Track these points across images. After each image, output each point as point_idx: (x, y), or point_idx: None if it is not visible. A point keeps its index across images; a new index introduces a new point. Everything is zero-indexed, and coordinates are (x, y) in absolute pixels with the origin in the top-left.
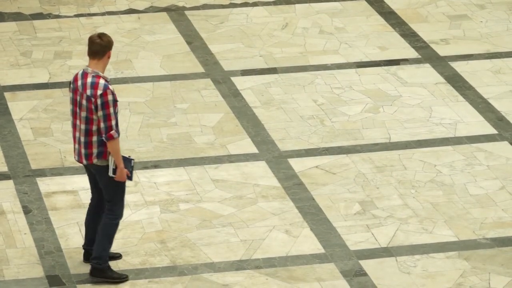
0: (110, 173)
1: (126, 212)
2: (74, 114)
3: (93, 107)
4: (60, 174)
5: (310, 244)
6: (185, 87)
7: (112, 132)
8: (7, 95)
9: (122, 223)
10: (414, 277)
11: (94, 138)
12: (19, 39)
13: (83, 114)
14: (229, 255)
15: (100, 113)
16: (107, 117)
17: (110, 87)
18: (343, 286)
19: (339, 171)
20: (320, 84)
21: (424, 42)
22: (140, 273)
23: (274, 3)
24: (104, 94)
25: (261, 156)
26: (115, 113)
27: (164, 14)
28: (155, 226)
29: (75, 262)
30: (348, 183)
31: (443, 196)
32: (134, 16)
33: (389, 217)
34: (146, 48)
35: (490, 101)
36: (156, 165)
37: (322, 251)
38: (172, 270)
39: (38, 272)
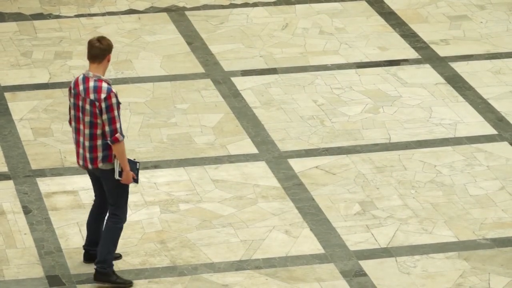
0: (116, 176)
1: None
2: (77, 119)
3: (97, 111)
4: (60, 175)
5: (310, 244)
6: (185, 87)
7: (117, 135)
8: (7, 95)
9: None
10: (414, 277)
11: (99, 142)
12: (19, 39)
13: (87, 118)
14: (229, 255)
15: (104, 116)
16: (111, 120)
17: (113, 90)
18: (343, 286)
19: (339, 171)
20: (320, 85)
21: (424, 42)
22: (140, 273)
23: (274, 4)
24: (108, 98)
25: (261, 156)
26: (119, 116)
27: (165, 14)
28: (155, 226)
29: (75, 262)
30: (348, 183)
31: (443, 197)
32: (134, 16)
33: (389, 217)
34: (146, 49)
35: (490, 101)
36: (156, 165)
37: (322, 251)
38: (172, 270)
39: (38, 272)
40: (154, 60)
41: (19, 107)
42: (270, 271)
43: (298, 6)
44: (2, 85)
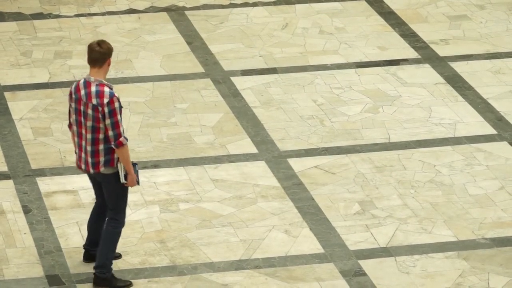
0: (122, 180)
1: (126, 211)
2: (79, 124)
3: (100, 115)
4: (60, 174)
5: (309, 244)
6: (185, 87)
7: (121, 139)
8: (7, 94)
9: None
10: (413, 277)
11: (101, 147)
12: (19, 39)
13: (89, 123)
14: (229, 255)
15: (108, 121)
16: (115, 125)
17: (116, 94)
18: (343, 286)
19: (338, 171)
20: (320, 84)
21: (424, 42)
22: (140, 273)
23: (274, 3)
24: (111, 102)
25: (261, 156)
26: (121, 120)
27: (164, 14)
28: (155, 226)
29: (75, 262)
30: (348, 183)
31: (443, 196)
32: (134, 16)
33: (389, 217)
34: (146, 48)
35: (490, 101)
36: (156, 165)
37: (322, 251)
38: (172, 270)
39: (38, 271)
40: (154, 59)
41: (19, 107)
42: (269, 270)
43: (298, 6)
44: (2, 84)
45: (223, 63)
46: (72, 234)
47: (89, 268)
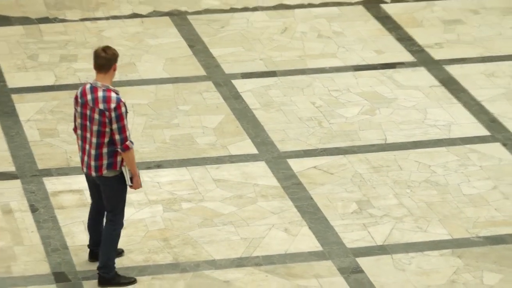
0: (128, 183)
1: (130, 210)
2: (84, 128)
3: (106, 120)
4: (66, 174)
5: (308, 242)
6: (187, 89)
7: (128, 142)
8: (14, 97)
9: (126, 221)
10: (409, 274)
11: (105, 150)
12: (26, 43)
13: (95, 128)
14: (230, 252)
15: (114, 126)
16: (122, 129)
17: (122, 99)
18: (340, 283)
19: (336, 171)
20: (318, 87)
21: (419, 46)
22: (144, 270)
23: (274, 8)
24: (118, 107)
25: (261, 156)
26: (127, 124)
27: (167, 18)
28: (158, 225)
29: (81, 260)
30: (345, 183)
31: (438, 196)
32: (137, 20)
33: (385, 216)
34: (149, 52)
35: (483, 103)
36: (159, 165)
37: (320, 249)
38: (175, 267)
39: (44, 268)
40: (157, 63)
41: (26, 109)
42: (269, 268)
43: (297, 11)
44: (9, 87)
45: (224, 66)
46: (78, 232)
47: (94, 266)
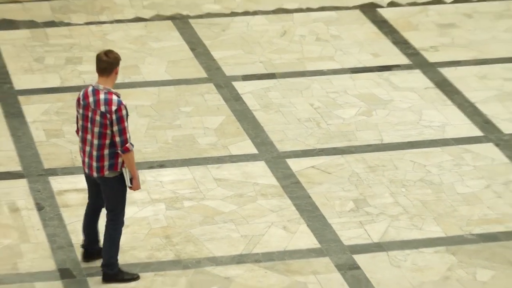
0: (128, 184)
1: (133, 209)
2: (85, 129)
3: (107, 122)
4: (71, 173)
5: (306, 239)
6: (189, 91)
7: (128, 144)
8: (21, 98)
9: (129, 219)
10: (404, 270)
11: (106, 152)
12: (32, 46)
13: (96, 129)
14: (230, 249)
15: (115, 128)
16: (122, 131)
17: (123, 102)
18: (338, 279)
19: (334, 170)
20: (317, 89)
21: (415, 49)
22: (147, 267)
23: (273, 12)
24: (118, 110)
25: (261, 156)
26: (128, 126)
27: (169, 22)
28: (161, 222)
29: None
30: (343, 182)
31: (432, 195)
32: (140, 24)
33: (381, 214)
34: (152, 54)
35: (477, 105)
36: (161, 164)
37: (318, 246)
38: (177, 264)
39: (50, 265)
40: (160, 65)
41: (32, 110)
42: (269, 264)
43: (295, 15)
44: (16, 89)
45: (225, 68)
46: None
47: (98, 263)
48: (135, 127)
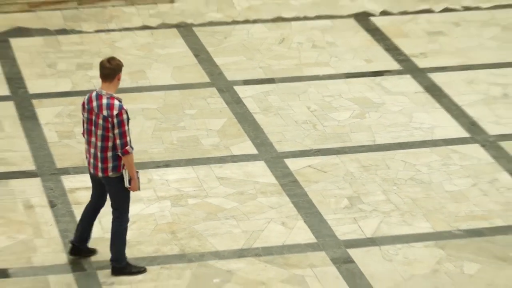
0: (127, 184)
1: (140, 206)
2: (90, 132)
3: (109, 125)
4: (82, 172)
5: (303, 234)
6: (193, 95)
7: (128, 147)
8: (35, 102)
9: (136, 215)
10: (396, 264)
11: (110, 154)
12: (45, 52)
13: (99, 132)
14: (232, 244)
15: (116, 131)
16: (122, 135)
17: (124, 107)
18: (333, 272)
19: (329, 170)
20: (313, 93)
21: (405, 55)
22: (153, 260)
23: (272, 21)
24: (119, 114)
25: (261, 156)
26: (129, 130)
27: (174, 30)
28: (166, 219)
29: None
30: (338, 180)
31: (422, 192)
32: (147, 32)
33: (374, 210)
34: (158, 61)
35: (464, 108)
36: (167, 164)
37: (315, 240)
38: (182, 258)
39: (62, 259)
40: (165, 71)
41: (45, 113)
42: (268, 258)
43: (293, 23)
44: (30, 92)
45: (227, 73)
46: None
47: (108, 257)
48: (142, 129)
